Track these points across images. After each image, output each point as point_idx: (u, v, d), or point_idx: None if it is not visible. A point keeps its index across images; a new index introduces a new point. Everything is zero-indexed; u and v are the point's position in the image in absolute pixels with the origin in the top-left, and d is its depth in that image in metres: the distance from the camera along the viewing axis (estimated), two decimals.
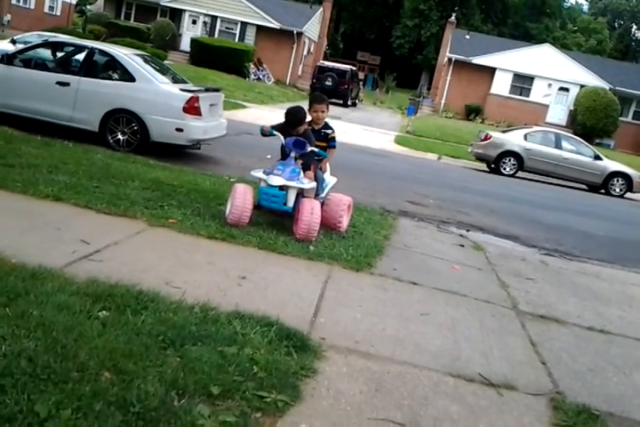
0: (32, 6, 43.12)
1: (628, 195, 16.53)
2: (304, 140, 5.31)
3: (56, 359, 2.58)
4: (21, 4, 42.23)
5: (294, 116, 5.52)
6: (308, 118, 5.70)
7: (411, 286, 4.78)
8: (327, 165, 6.03)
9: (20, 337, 2.70)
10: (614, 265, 7.15)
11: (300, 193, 5.43)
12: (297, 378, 2.94)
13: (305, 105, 5.87)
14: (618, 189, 16.48)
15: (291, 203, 5.35)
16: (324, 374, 3.06)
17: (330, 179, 6.05)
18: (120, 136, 8.40)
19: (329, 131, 5.85)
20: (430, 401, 3.04)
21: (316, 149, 5.47)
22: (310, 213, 5.16)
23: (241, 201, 5.20)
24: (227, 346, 3.05)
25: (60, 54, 9.89)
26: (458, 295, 4.77)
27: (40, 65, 9.01)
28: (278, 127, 5.56)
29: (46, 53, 10.20)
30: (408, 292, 4.65)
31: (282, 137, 5.44)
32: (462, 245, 6.60)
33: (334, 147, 5.93)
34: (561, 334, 4.33)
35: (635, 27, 73.14)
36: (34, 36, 19.16)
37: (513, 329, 4.26)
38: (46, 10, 44.83)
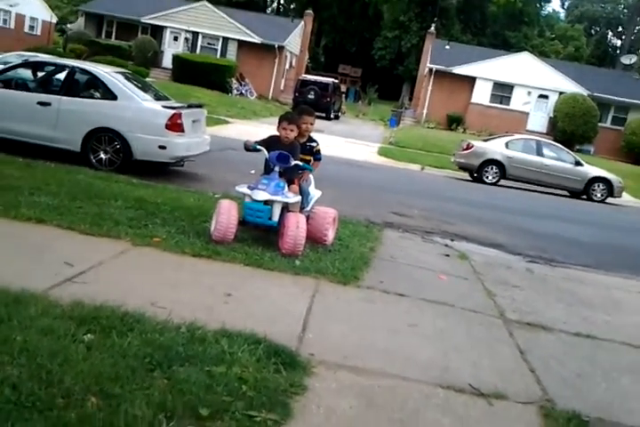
0: (12, 26, 43.02)
1: (609, 200, 16.72)
2: (287, 154, 5.30)
3: (40, 386, 2.54)
4: (0, 24, 42.15)
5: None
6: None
7: (398, 298, 4.78)
8: (310, 176, 6.00)
9: (4, 364, 2.66)
10: (598, 270, 7.21)
11: (285, 207, 5.42)
12: (287, 396, 2.92)
13: None
14: (599, 195, 16.66)
15: (276, 217, 5.33)
16: (314, 391, 3.05)
17: (314, 192, 6.05)
18: (102, 155, 8.36)
19: (314, 144, 5.87)
20: (421, 414, 3.03)
21: (300, 163, 5.47)
22: (296, 228, 5.14)
23: (226, 217, 5.17)
24: (215, 366, 3.03)
25: (40, 74, 9.87)
26: (445, 306, 4.78)
27: (20, 85, 8.98)
28: (262, 142, 5.57)
29: (27, 73, 10.16)
30: (395, 304, 4.66)
31: (265, 151, 5.44)
32: (448, 255, 6.63)
33: (319, 159, 5.95)
34: (548, 341, 4.36)
35: (611, 33, 74.42)
36: (14, 57, 19.09)
37: (501, 338, 4.28)
38: (26, 29, 44.76)
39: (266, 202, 5.27)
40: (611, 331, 4.82)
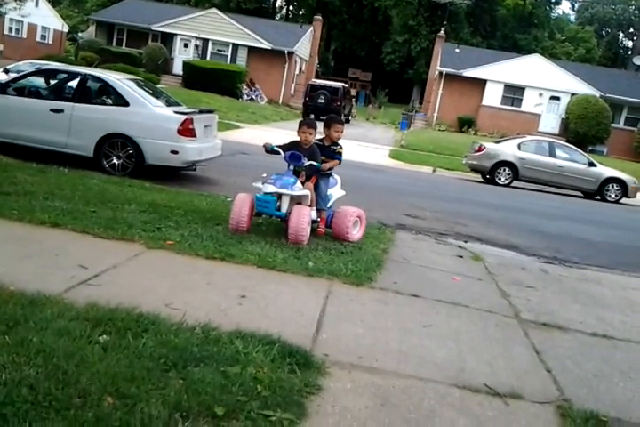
0: (24, 36, 43.69)
1: (624, 200, 16.58)
2: (299, 154, 5.76)
3: (57, 386, 2.56)
4: (13, 33, 42.79)
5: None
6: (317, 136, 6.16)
7: (412, 299, 4.77)
8: (337, 177, 6.46)
9: (21, 365, 2.68)
10: (614, 271, 7.14)
11: (299, 202, 5.80)
12: (302, 395, 2.91)
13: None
14: (613, 195, 16.53)
15: (284, 209, 5.75)
16: (328, 391, 3.04)
17: (337, 192, 6.45)
18: (115, 160, 8.42)
19: (336, 147, 6.25)
20: (437, 414, 3.01)
21: (314, 163, 5.83)
22: (297, 218, 5.56)
23: (238, 208, 5.70)
24: (229, 366, 3.03)
25: (53, 82, 9.97)
26: (459, 306, 4.75)
27: (34, 93, 9.07)
28: (283, 145, 6.01)
29: (39, 81, 10.28)
30: (409, 305, 4.64)
31: (282, 151, 5.87)
32: (461, 256, 6.60)
33: (339, 160, 6.24)
34: (564, 341, 4.31)
35: (622, 34, 73.98)
36: (26, 65, 19.35)
37: (516, 338, 4.24)
38: (38, 39, 45.39)
39: (276, 195, 5.72)
40: (628, 331, 4.76)
